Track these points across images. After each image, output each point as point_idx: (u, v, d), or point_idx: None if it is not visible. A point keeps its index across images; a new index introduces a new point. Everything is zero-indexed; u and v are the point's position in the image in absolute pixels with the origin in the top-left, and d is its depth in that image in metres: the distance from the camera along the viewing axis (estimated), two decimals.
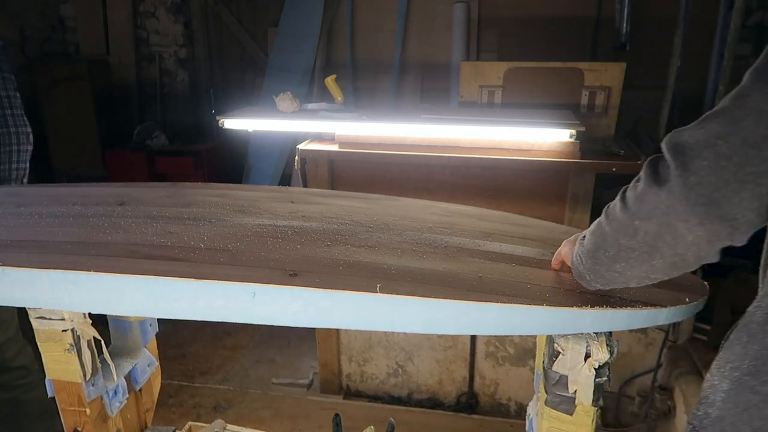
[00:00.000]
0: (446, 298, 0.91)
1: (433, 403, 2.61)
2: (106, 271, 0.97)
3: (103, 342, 1.28)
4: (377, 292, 0.91)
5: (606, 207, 0.88)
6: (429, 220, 1.34)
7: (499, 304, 0.91)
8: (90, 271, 0.97)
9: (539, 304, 0.91)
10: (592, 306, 0.93)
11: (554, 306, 0.91)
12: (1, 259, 1.00)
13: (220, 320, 0.97)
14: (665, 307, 0.97)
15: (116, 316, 1.45)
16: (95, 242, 1.10)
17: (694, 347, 2.26)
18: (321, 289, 0.93)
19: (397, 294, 0.91)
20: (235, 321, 0.97)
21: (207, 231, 1.18)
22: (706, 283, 1.12)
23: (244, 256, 1.05)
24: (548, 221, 1.46)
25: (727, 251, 0.77)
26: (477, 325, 0.93)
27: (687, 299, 0.99)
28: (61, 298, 1.00)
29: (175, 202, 1.38)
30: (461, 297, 0.92)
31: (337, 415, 1.78)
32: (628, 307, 0.95)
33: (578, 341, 1.02)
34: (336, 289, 0.93)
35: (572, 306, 0.92)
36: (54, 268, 0.98)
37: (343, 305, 0.94)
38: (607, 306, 0.94)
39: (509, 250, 1.16)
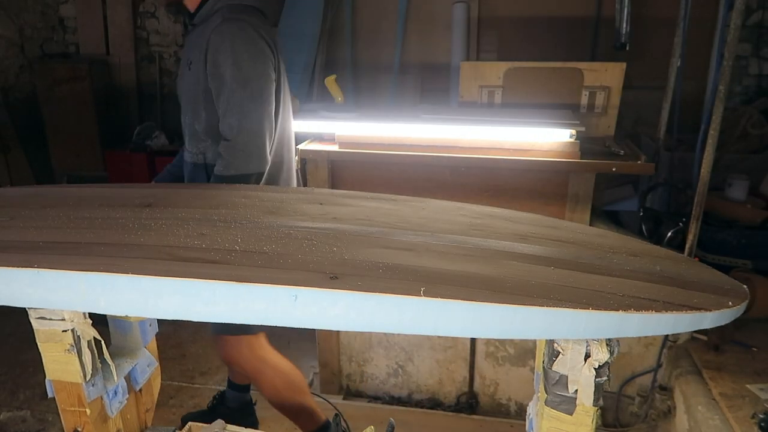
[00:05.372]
0: (491, 302, 0.89)
1: (433, 403, 2.61)
2: (143, 274, 0.95)
3: (103, 342, 1.28)
4: (421, 295, 0.89)
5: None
6: (461, 221, 1.32)
7: (545, 308, 0.89)
8: (127, 273, 0.95)
9: (585, 308, 0.90)
10: (637, 310, 0.90)
11: (599, 310, 0.90)
12: (36, 261, 1.00)
13: (259, 323, 0.96)
14: (710, 311, 0.93)
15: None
16: (128, 244, 1.09)
17: (694, 347, 2.26)
18: (364, 293, 0.91)
19: (441, 297, 0.89)
20: (275, 324, 0.96)
21: (240, 233, 1.16)
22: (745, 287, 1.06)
23: (281, 259, 1.03)
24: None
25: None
26: (522, 329, 0.91)
27: (730, 303, 0.95)
28: (96, 300, 0.99)
29: (202, 204, 1.37)
30: (505, 301, 0.90)
31: (337, 415, 1.78)
32: (674, 312, 0.91)
33: (578, 341, 1.02)
34: (378, 292, 0.91)
35: (617, 310, 0.90)
36: (90, 270, 0.97)
37: (386, 309, 0.91)
38: (653, 311, 0.91)
39: (547, 253, 1.13)
